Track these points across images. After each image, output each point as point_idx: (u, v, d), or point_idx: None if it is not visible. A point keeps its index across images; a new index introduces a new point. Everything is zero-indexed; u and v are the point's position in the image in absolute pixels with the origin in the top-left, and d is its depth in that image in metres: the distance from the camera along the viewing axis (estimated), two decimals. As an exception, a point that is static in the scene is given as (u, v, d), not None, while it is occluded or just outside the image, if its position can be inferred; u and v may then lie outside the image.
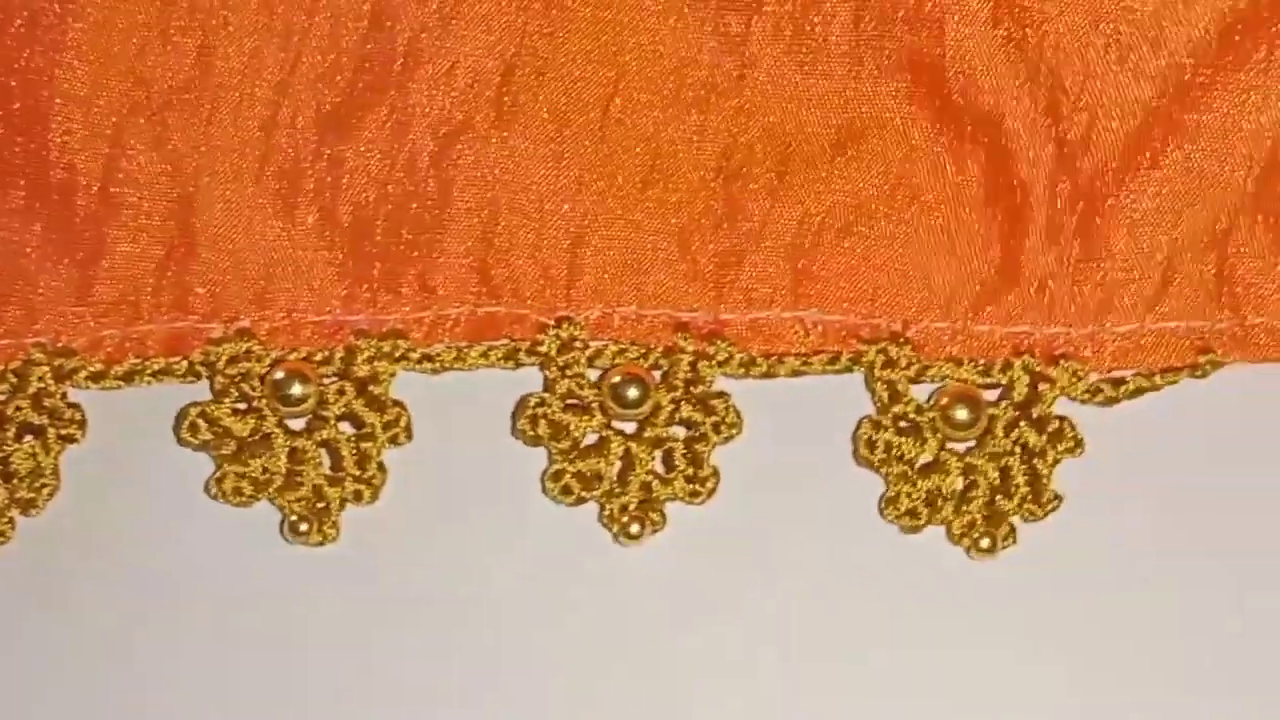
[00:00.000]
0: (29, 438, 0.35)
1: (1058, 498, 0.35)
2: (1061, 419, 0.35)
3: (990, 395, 0.36)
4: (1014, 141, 0.35)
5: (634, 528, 0.35)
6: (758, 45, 0.36)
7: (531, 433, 0.35)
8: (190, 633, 0.36)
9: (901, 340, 0.35)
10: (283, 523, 0.35)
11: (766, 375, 0.36)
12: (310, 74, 0.36)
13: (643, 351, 0.36)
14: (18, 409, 0.35)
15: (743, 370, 0.36)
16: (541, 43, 0.36)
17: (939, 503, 0.35)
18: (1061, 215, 0.35)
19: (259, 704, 0.35)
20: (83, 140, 0.35)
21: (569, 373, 0.36)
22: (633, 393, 0.35)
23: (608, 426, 0.36)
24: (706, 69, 0.36)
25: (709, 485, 0.35)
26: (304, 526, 0.35)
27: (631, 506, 0.35)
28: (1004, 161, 0.35)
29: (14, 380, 0.35)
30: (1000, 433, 0.35)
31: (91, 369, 0.36)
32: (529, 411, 0.35)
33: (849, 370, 0.36)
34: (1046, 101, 0.35)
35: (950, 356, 0.36)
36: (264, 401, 0.35)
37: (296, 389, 0.35)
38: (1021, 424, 0.35)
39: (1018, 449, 0.35)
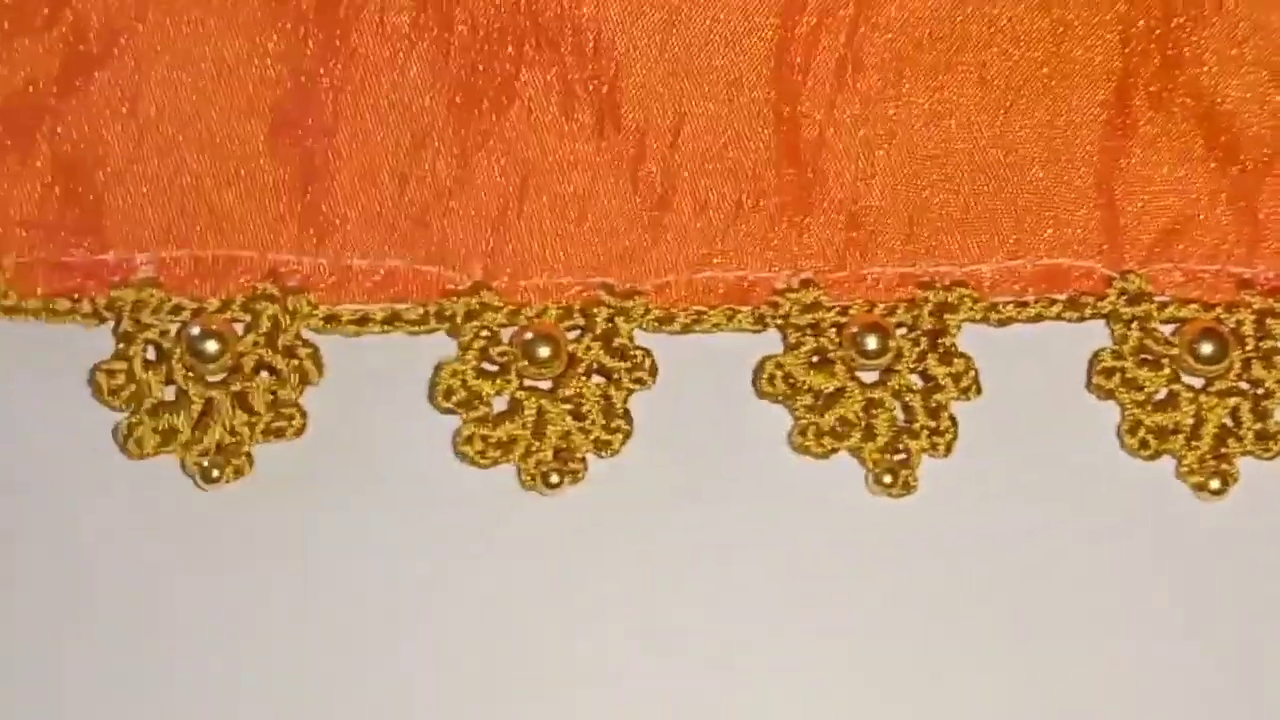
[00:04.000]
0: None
1: None
2: None
3: None
4: None
5: (1216, 482, 0.34)
6: None
7: (1107, 387, 0.35)
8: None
9: None
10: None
11: (1333, 333, 0.35)
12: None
13: (1207, 306, 0.35)
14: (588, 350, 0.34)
15: (1307, 327, 0.35)
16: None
17: None
18: None
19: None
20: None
21: (1142, 327, 0.35)
22: (1208, 348, 0.35)
23: (1176, 380, 0.35)
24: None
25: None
26: (887, 478, 0.34)
27: (1206, 460, 0.35)
28: None
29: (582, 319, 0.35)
30: None
31: (657, 313, 0.35)
32: (1102, 365, 0.35)
33: None
34: None
35: None
36: (840, 353, 0.34)
37: (872, 343, 0.34)
38: None
39: None
